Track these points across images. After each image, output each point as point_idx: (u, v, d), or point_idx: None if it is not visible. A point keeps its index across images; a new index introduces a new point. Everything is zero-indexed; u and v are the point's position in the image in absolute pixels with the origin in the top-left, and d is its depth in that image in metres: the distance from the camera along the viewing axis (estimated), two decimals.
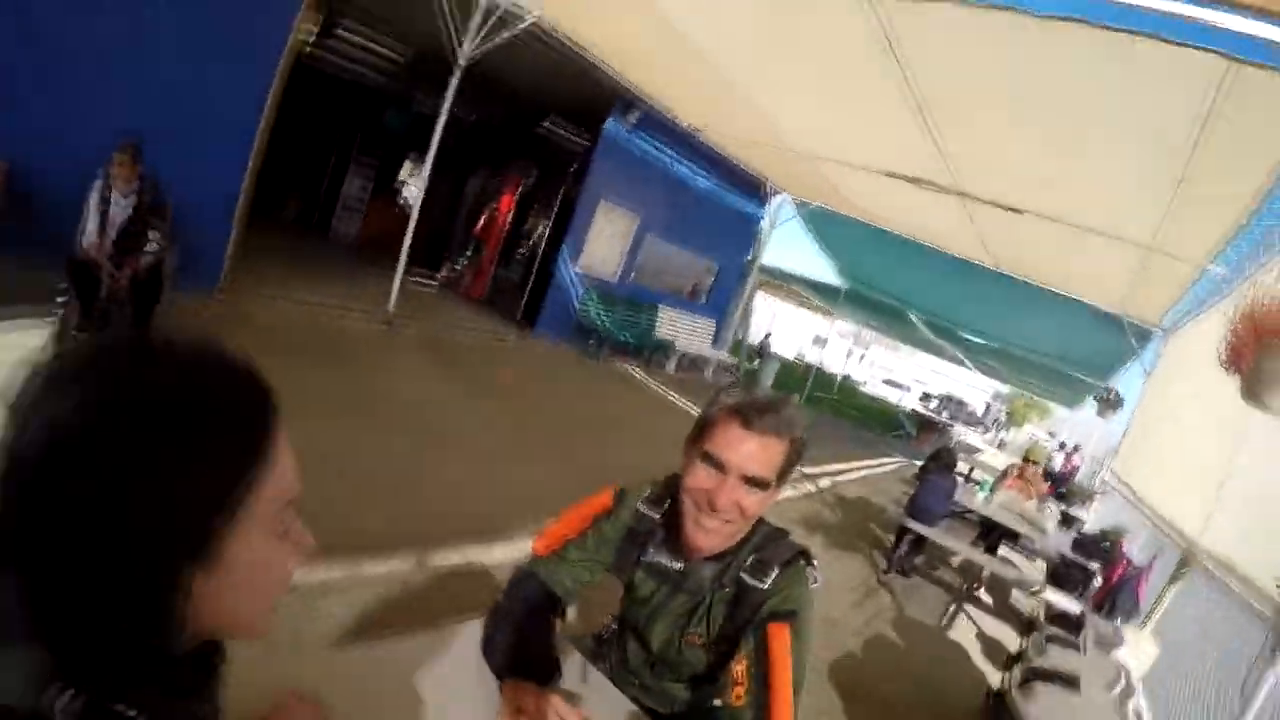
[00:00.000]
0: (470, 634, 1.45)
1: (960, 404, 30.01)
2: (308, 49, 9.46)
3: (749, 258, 14.61)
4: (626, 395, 9.92)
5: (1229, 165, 4.40)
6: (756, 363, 17.73)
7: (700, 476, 1.41)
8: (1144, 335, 9.98)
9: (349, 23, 10.30)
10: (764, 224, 14.28)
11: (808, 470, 8.94)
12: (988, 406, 34.94)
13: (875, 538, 7.21)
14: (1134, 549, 6.05)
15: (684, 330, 13.21)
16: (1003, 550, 7.28)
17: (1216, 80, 3.67)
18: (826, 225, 13.71)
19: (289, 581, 0.66)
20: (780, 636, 1.35)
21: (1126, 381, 11.59)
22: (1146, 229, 6.21)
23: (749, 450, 1.37)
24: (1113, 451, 11.03)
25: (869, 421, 19.46)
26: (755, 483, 1.39)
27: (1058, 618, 3.85)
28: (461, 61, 7.64)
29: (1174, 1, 3.40)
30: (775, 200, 13.78)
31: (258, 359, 0.62)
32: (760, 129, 9.03)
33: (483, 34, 7.47)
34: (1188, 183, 4.90)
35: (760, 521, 1.52)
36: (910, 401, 26.47)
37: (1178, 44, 3.65)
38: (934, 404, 27.22)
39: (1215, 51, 3.53)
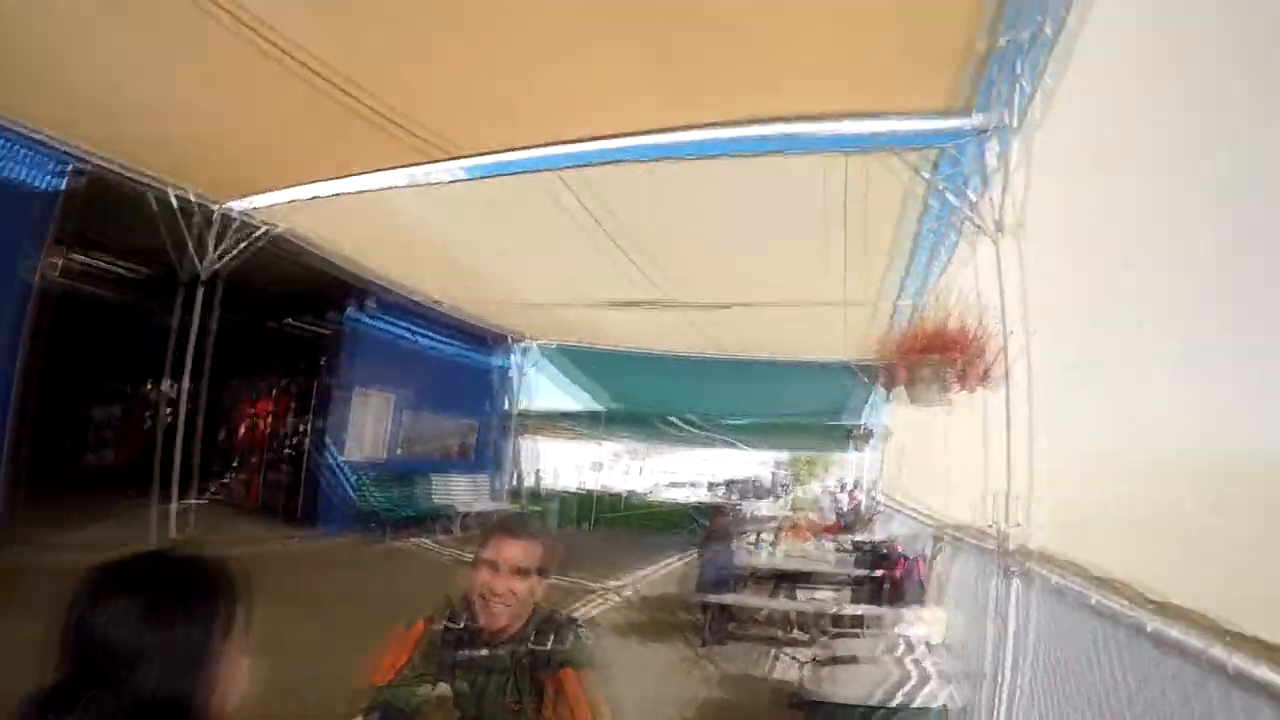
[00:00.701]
0: None
1: (746, 482, 31.81)
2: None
3: (505, 408, 15.26)
4: (416, 568, 9.77)
5: (873, 220, 5.72)
6: (540, 505, 17.89)
7: (484, 575, 1.94)
8: (871, 371, 11.51)
9: (81, 249, 9.79)
10: (513, 373, 15.06)
11: (610, 584, 9.45)
12: (772, 476, 37.34)
13: (686, 621, 7.62)
14: (912, 547, 7.00)
15: (460, 491, 13.50)
16: (818, 593, 8.03)
17: (841, 167, 4.92)
18: (573, 360, 14.61)
19: (247, 681, 1.08)
20: (568, 677, 1.88)
21: (882, 412, 13.04)
22: (835, 289, 7.60)
23: (514, 551, 1.96)
24: (878, 476, 12.62)
25: (660, 525, 20.06)
26: (522, 572, 1.95)
27: (845, 621, 4.59)
28: (202, 276, 7.64)
29: (785, 126, 4.56)
30: (520, 348, 14.58)
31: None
32: (495, 289, 9.81)
33: (220, 248, 7.60)
34: (851, 243, 6.21)
35: (536, 607, 2.04)
36: (699, 494, 27.60)
37: (802, 153, 4.92)
38: (721, 490, 28.65)
39: (829, 151, 4.80)
